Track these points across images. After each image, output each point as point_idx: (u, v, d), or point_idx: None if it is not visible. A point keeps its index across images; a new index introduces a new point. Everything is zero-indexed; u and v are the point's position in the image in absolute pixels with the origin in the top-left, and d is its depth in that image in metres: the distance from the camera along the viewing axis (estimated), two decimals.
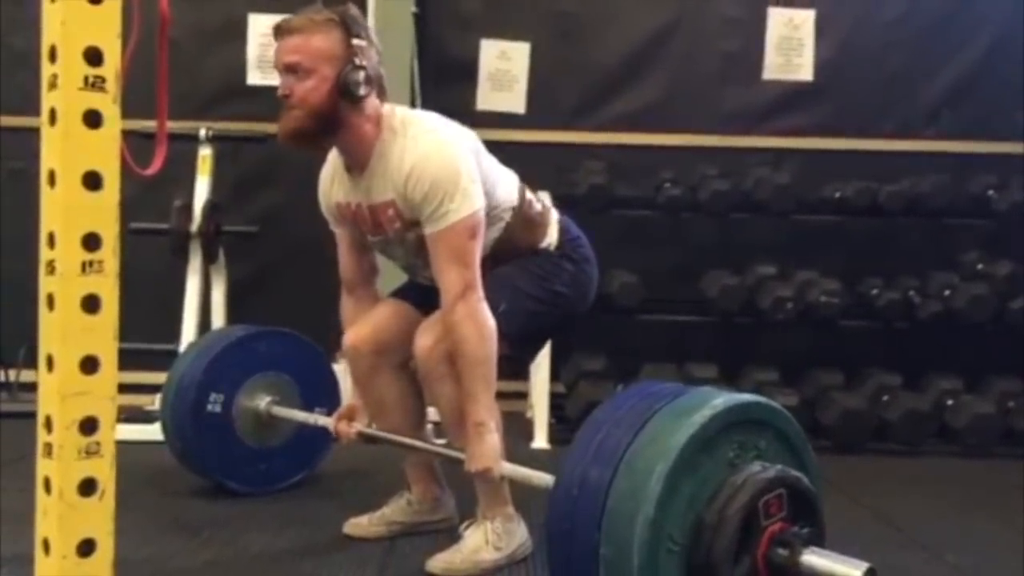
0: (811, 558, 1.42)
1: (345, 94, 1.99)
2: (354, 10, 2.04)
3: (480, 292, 2.00)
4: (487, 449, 1.99)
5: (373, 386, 2.28)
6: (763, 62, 4.29)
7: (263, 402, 2.67)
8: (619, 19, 4.31)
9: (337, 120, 2.02)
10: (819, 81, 4.29)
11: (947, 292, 3.80)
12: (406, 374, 2.27)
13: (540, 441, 3.52)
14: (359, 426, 2.30)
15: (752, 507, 1.42)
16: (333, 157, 2.22)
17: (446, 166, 1.98)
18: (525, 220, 2.21)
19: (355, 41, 2.00)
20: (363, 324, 2.26)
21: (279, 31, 2.02)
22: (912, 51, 4.29)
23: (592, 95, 4.32)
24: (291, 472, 2.78)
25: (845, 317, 3.79)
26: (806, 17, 4.28)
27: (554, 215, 2.29)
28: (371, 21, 3.60)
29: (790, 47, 4.28)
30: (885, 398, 3.66)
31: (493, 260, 2.16)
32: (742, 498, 1.41)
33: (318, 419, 2.53)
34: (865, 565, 1.39)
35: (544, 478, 1.84)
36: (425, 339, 2.06)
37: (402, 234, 2.11)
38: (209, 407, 2.62)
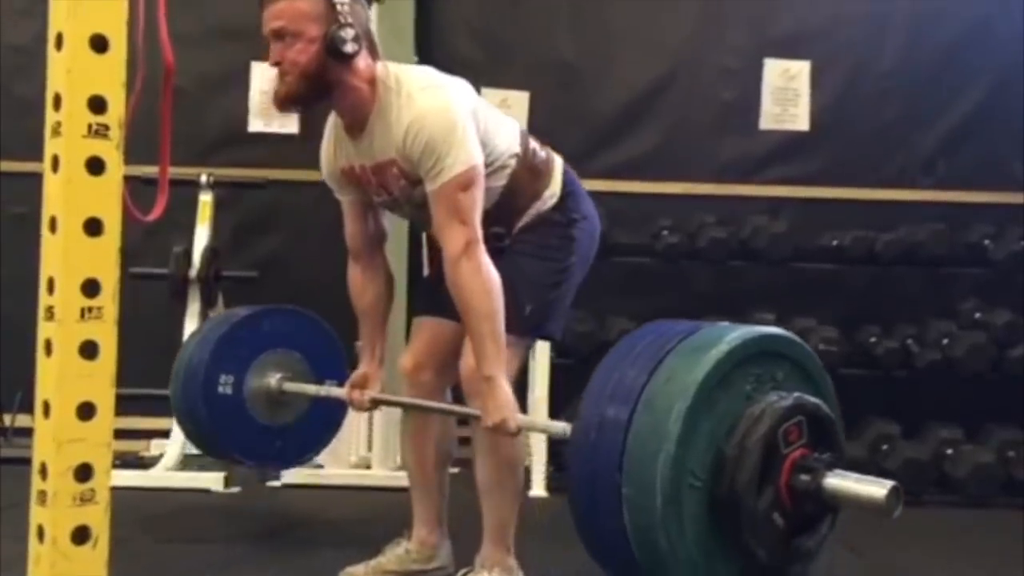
0: (834, 481, 1.42)
1: (334, 53, 1.98)
2: None
3: (482, 246, 2.00)
4: (500, 401, 1.97)
5: (427, 420, 2.28)
6: (760, 112, 4.33)
7: (274, 379, 2.63)
8: (617, 69, 4.37)
9: (329, 81, 2.02)
10: (815, 131, 4.33)
11: (945, 341, 3.80)
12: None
13: (538, 489, 3.49)
14: (372, 393, 2.29)
15: (772, 437, 1.42)
16: (332, 123, 2.21)
17: (442, 123, 1.97)
18: (529, 168, 2.21)
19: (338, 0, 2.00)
20: (418, 348, 2.27)
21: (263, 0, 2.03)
22: (907, 101, 4.33)
23: (591, 143, 4.35)
24: (306, 448, 2.76)
25: (843, 365, 3.78)
26: (801, 68, 4.33)
27: (558, 163, 2.29)
28: None
29: (786, 97, 4.32)
30: (884, 447, 3.64)
31: (501, 212, 2.17)
32: (761, 428, 1.42)
33: (330, 390, 2.51)
34: (890, 483, 1.39)
35: (560, 426, 1.82)
36: (470, 359, 2.06)
37: (408, 192, 2.10)
38: (220, 389, 2.59)
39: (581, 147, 4.35)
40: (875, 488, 1.39)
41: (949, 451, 3.62)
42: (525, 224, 2.22)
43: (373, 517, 2.91)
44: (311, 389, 2.60)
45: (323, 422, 2.78)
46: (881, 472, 3.52)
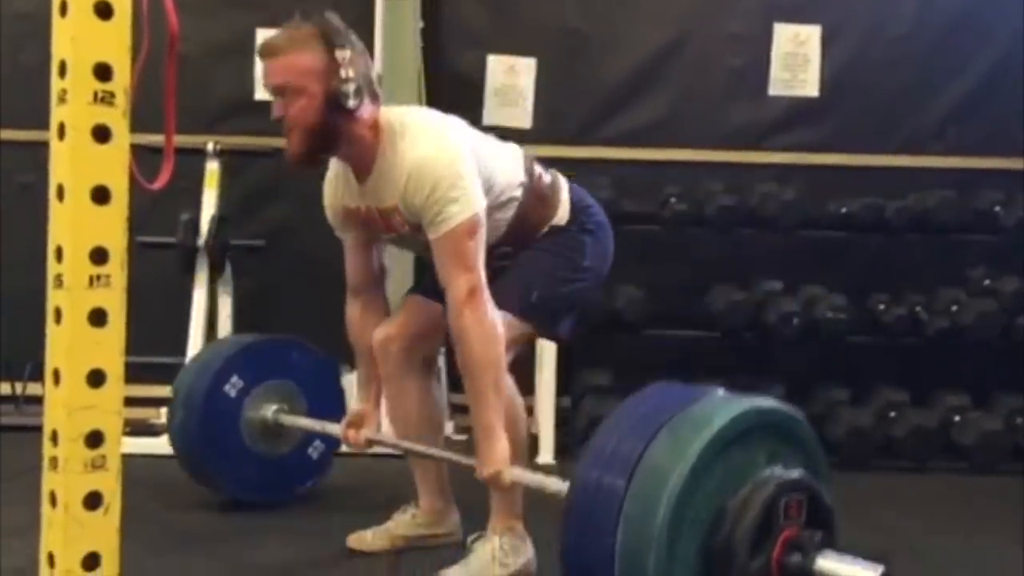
0: (825, 563, 1.43)
1: (337, 107, 1.98)
2: (335, 20, 2.01)
3: (486, 294, 1.99)
4: (496, 454, 1.98)
5: (401, 387, 2.30)
6: (769, 78, 4.30)
7: (270, 411, 2.66)
8: (625, 36, 4.32)
9: (335, 133, 2.01)
10: (825, 97, 4.29)
11: (954, 308, 3.79)
12: (430, 380, 2.32)
13: (546, 455, 3.51)
14: (368, 433, 2.30)
15: (774, 503, 1.43)
16: (335, 164, 2.21)
17: (444, 170, 1.97)
18: (537, 195, 2.21)
19: (338, 53, 1.97)
20: (392, 321, 2.28)
21: (262, 53, 2.00)
22: (918, 67, 4.29)
23: (598, 111, 4.33)
24: (292, 484, 2.77)
25: (852, 333, 3.78)
26: (811, 33, 4.29)
27: (563, 185, 2.28)
28: (378, 34, 3.64)
29: (796, 63, 4.29)
30: (892, 414, 3.65)
31: (511, 239, 2.18)
32: (765, 493, 1.43)
33: (325, 426, 2.52)
34: (880, 567, 1.38)
35: (557, 483, 1.82)
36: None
37: (413, 234, 2.10)
38: (227, 388, 2.62)
39: (588, 114, 4.34)
40: (866, 571, 1.39)
41: (957, 418, 3.63)
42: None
43: (381, 484, 2.93)
44: (305, 423, 2.61)
45: (312, 462, 2.80)
46: (889, 439, 3.54)
